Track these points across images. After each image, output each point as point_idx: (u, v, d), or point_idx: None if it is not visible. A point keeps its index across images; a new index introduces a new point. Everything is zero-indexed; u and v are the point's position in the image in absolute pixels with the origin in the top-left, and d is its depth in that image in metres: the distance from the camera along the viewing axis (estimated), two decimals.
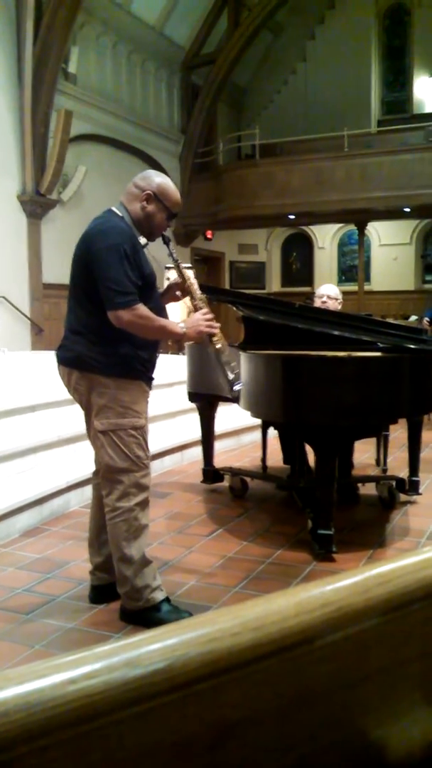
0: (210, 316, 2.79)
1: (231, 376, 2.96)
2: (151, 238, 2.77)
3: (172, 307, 3.07)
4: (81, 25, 11.25)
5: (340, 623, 0.66)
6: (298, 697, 0.66)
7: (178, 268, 2.82)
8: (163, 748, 0.57)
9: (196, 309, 2.82)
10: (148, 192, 2.66)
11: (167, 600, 2.74)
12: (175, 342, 2.94)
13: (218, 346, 2.84)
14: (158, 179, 2.71)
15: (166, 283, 3.01)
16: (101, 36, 12.07)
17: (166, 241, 2.80)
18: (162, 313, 2.75)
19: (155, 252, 2.95)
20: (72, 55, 11.10)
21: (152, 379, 2.79)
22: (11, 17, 10.01)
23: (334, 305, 4.50)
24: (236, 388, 2.87)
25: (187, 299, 2.91)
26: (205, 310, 2.81)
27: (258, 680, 0.62)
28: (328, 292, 4.56)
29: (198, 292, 2.85)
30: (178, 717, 0.57)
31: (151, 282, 2.69)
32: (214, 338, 2.82)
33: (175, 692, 0.56)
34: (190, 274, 2.96)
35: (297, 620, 0.64)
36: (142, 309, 2.56)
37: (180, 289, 2.88)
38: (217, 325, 2.82)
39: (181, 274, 2.84)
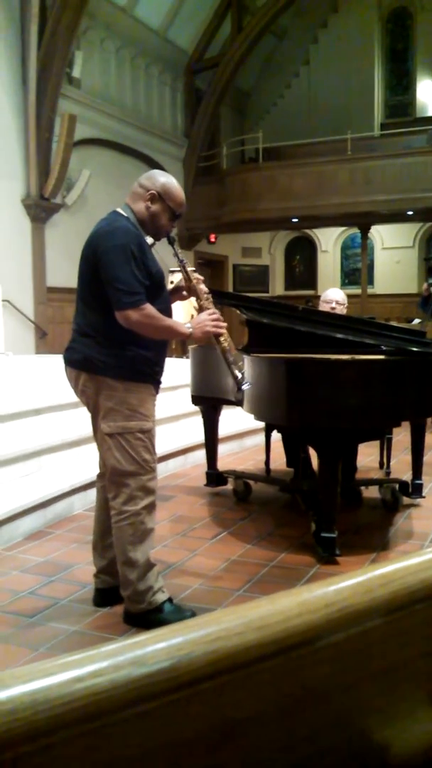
0: (216, 315, 2.76)
1: (239, 375, 2.90)
2: (156, 237, 2.76)
3: (174, 309, 3.05)
4: (85, 30, 11.29)
5: (343, 623, 0.67)
6: (301, 697, 0.66)
7: (183, 268, 2.81)
8: (167, 747, 0.58)
9: (201, 309, 2.80)
10: (153, 192, 2.66)
11: (170, 600, 2.74)
12: (180, 343, 2.93)
13: (225, 345, 2.81)
14: (163, 179, 2.71)
15: (170, 287, 2.97)
16: (105, 40, 12.10)
17: (171, 242, 2.80)
18: (169, 313, 2.75)
19: (162, 254, 2.94)
20: (76, 60, 11.15)
21: (160, 382, 2.78)
22: (16, 22, 10.06)
23: (342, 310, 4.51)
24: (244, 387, 2.83)
25: (193, 300, 2.90)
26: (211, 310, 2.78)
27: (261, 680, 0.62)
28: (336, 298, 4.55)
29: (204, 292, 2.83)
30: (183, 716, 0.58)
31: (158, 281, 2.68)
32: (221, 338, 2.79)
33: (179, 691, 0.57)
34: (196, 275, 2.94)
35: (300, 620, 0.64)
36: (150, 309, 2.56)
37: (186, 289, 2.87)
38: (224, 324, 2.79)
39: (186, 274, 2.82)
